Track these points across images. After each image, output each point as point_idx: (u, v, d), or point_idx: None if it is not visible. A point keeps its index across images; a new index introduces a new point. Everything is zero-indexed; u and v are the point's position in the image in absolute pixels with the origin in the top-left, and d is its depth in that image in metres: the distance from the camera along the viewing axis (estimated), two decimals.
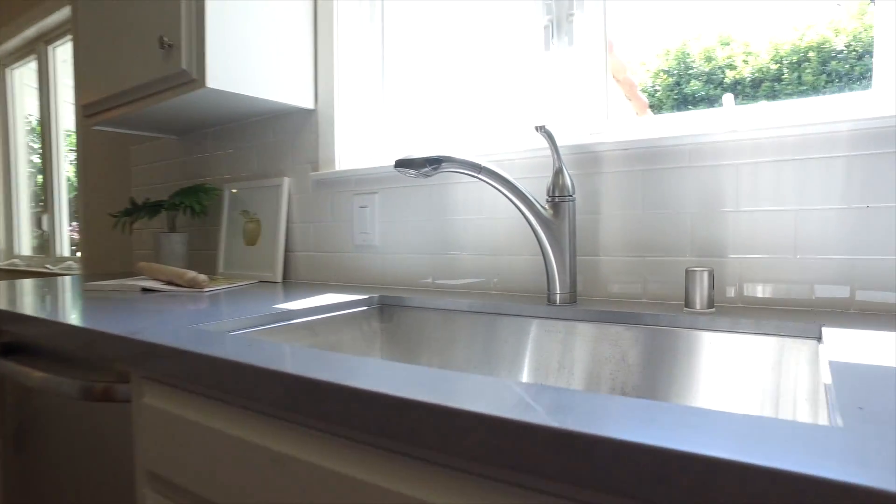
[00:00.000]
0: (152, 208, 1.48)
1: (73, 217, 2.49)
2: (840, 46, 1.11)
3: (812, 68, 1.15)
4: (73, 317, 0.82)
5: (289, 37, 1.24)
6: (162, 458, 0.64)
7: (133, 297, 1.05)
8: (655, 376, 0.76)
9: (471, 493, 0.39)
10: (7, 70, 2.72)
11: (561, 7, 1.00)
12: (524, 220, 0.93)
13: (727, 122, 0.86)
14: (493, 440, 0.36)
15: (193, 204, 1.43)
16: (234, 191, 1.47)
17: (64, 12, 2.18)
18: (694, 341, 0.73)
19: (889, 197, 0.71)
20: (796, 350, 0.66)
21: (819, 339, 0.65)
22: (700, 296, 0.75)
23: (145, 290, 1.16)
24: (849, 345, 0.55)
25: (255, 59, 1.18)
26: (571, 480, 0.33)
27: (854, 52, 1.11)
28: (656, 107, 1.39)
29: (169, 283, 1.22)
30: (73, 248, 2.46)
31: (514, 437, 0.35)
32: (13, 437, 1.01)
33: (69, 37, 2.24)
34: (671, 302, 0.85)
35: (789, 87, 1.20)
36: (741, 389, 0.69)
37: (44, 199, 2.57)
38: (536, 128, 0.84)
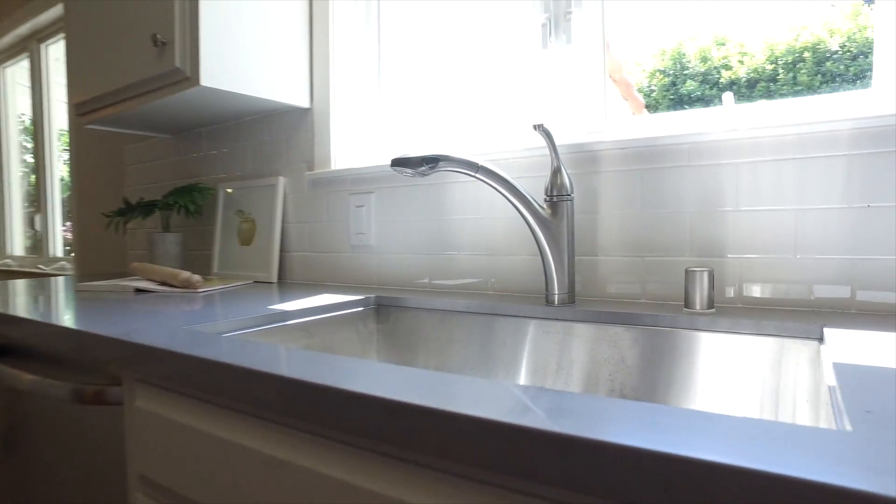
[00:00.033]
0: (146, 208, 1.46)
1: (66, 217, 2.47)
2: (835, 47, 1.12)
3: (807, 69, 1.15)
4: (64, 318, 0.81)
5: (284, 34, 1.23)
6: (154, 462, 0.63)
7: (126, 298, 1.04)
8: (655, 378, 0.75)
9: (469, 499, 0.38)
10: None
11: (559, 5, 0.99)
12: (522, 219, 0.93)
13: (726, 120, 0.85)
14: (492, 444, 0.35)
15: (188, 204, 1.41)
16: (229, 190, 1.46)
17: (57, 10, 2.16)
18: (694, 342, 0.73)
19: (890, 196, 0.70)
20: (797, 351, 0.66)
21: (820, 339, 0.64)
22: (700, 296, 0.75)
23: (139, 290, 1.15)
24: (852, 346, 0.54)
25: (250, 57, 1.17)
26: (572, 486, 0.32)
27: (849, 53, 1.11)
28: (652, 107, 1.39)
29: (163, 283, 1.20)
30: (67, 248, 2.44)
31: (513, 442, 0.34)
32: (3, 440, 1.00)
33: (62, 35, 2.22)
34: (670, 302, 0.85)
35: (784, 87, 1.20)
36: (741, 391, 0.69)
37: (36, 198, 2.55)
38: (534, 126, 0.83)
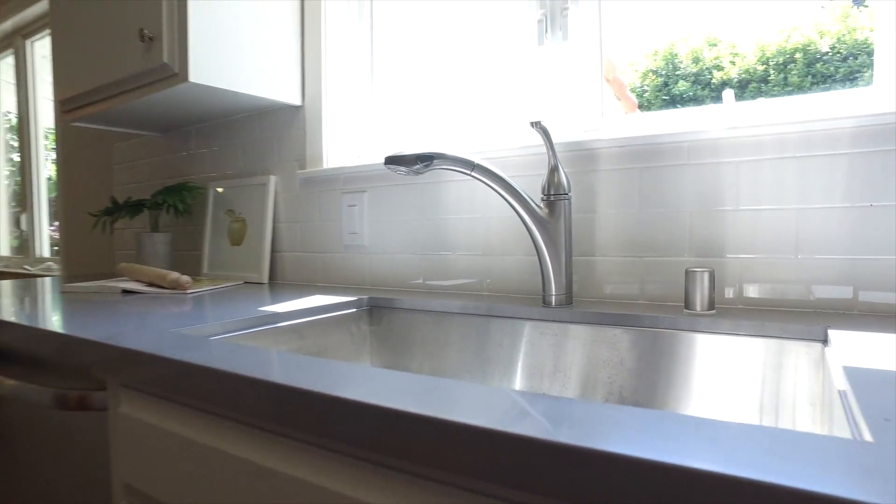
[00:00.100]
0: (134, 207, 1.43)
1: (53, 217, 2.43)
2: (825, 48, 1.12)
3: (798, 70, 1.15)
4: (48, 320, 0.79)
5: (275, 29, 1.21)
6: (139, 471, 0.61)
7: (113, 300, 1.01)
8: (654, 380, 0.74)
9: None
10: None
11: (555, 2, 0.97)
12: (518, 219, 0.91)
13: (727, 118, 0.84)
14: (492, 454, 0.33)
15: (177, 203, 1.39)
16: (220, 189, 1.43)
17: (42, 5, 2.12)
18: (694, 344, 0.71)
19: (893, 195, 0.69)
20: (801, 353, 0.64)
21: (824, 341, 0.63)
22: (700, 297, 0.73)
23: (126, 291, 1.13)
24: (859, 348, 0.53)
25: (240, 53, 1.14)
26: (577, 499, 0.30)
27: (839, 55, 1.12)
28: (645, 107, 1.38)
29: (151, 284, 1.18)
30: (55, 248, 2.40)
31: (514, 452, 0.33)
32: None
33: (48, 31, 2.18)
34: (669, 303, 0.83)
35: (775, 88, 1.20)
36: (743, 394, 0.67)
37: (22, 198, 2.50)
38: (532, 123, 0.82)
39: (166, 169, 1.62)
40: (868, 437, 0.31)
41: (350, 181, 1.19)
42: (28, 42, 2.37)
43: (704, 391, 0.70)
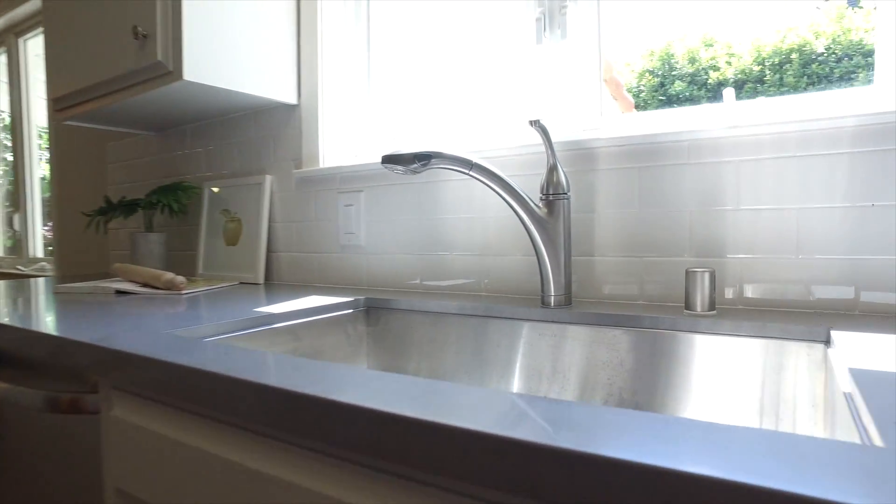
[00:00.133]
0: (128, 207, 1.42)
1: (47, 216, 2.41)
2: (820, 49, 1.12)
3: (794, 70, 1.15)
4: (39, 321, 0.77)
5: (270, 27, 1.20)
6: (132, 475, 0.60)
7: (106, 301, 1.00)
8: (655, 382, 0.73)
9: None
10: None
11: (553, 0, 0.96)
12: (516, 218, 0.90)
13: (727, 117, 0.83)
14: (492, 460, 0.32)
15: (171, 202, 1.37)
16: (215, 189, 1.42)
17: (35, 3, 2.10)
18: (695, 345, 0.70)
19: (894, 195, 0.69)
20: (803, 354, 0.64)
21: (827, 342, 0.62)
22: (701, 297, 0.73)
23: (119, 292, 1.11)
24: (863, 350, 0.52)
25: (235, 51, 1.13)
26: None
27: (834, 55, 1.12)
28: (641, 107, 1.38)
29: (145, 285, 1.16)
30: (49, 248, 2.38)
31: (514, 457, 0.32)
32: None
33: (41, 29, 2.16)
34: (669, 304, 0.83)
35: (771, 88, 1.20)
36: (744, 395, 0.67)
37: (16, 197, 2.48)
38: (531, 122, 0.81)
39: (161, 168, 1.60)
40: (878, 441, 0.31)
41: (347, 181, 1.18)
42: (21, 40, 2.35)
43: (705, 393, 0.69)
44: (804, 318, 0.69)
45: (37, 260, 2.38)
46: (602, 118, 0.94)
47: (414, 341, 0.94)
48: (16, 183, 2.46)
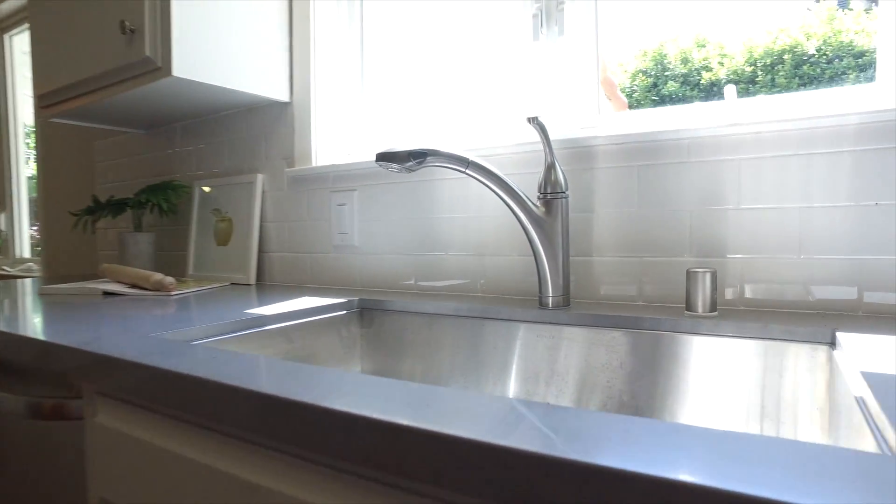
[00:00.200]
0: (116, 206, 1.39)
1: (34, 216, 2.37)
2: (811, 50, 1.13)
3: (785, 71, 1.16)
4: (22, 324, 0.75)
5: (262, 22, 1.17)
6: (117, 484, 0.57)
7: (93, 302, 0.97)
8: (655, 384, 0.71)
9: None
10: None
11: None
12: (513, 218, 0.89)
13: (728, 114, 0.82)
14: (493, 471, 0.31)
15: (161, 202, 1.35)
16: (206, 189, 1.39)
17: None
18: (696, 347, 0.69)
19: None
20: (807, 356, 0.63)
21: (832, 344, 0.61)
22: (702, 298, 0.71)
23: (107, 293, 1.09)
24: (871, 352, 0.51)
25: (226, 47, 1.11)
26: None
27: (824, 57, 1.12)
28: (634, 107, 1.38)
29: (133, 286, 1.14)
30: (38, 248, 2.34)
31: (516, 469, 0.30)
32: None
33: (28, 25, 2.12)
34: (669, 305, 0.81)
35: (763, 89, 1.20)
36: (747, 398, 0.65)
37: (1, 197, 2.44)
38: (528, 119, 0.79)
39: (150, 167, 1.58)
40: None
41: (340, 179, 1.16)
42: (6, 36, 2.31)
43: (706, 395, 0.68)
44: (807, 319, 0.67)
45: (24, 260, 2.35)
46: (600, 116, 0.92)
47: (408, 343, 0.92)
48: (1, 182, 2.42)
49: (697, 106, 0.86)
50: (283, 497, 0.42)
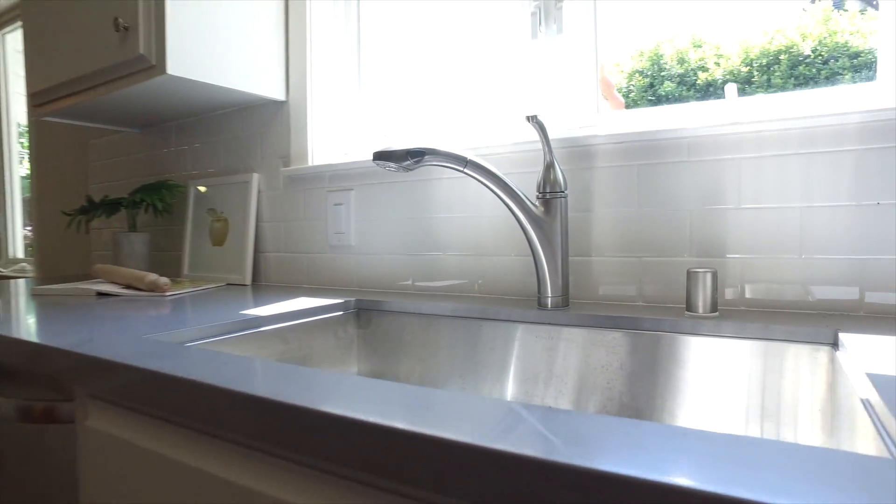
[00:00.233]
0: (110, 206, 1.38)
1: (28, 217, 2.35)
2: (807, 51, 1.13)
3: (781, 72, 1.16)
4: (13, 325, 0.74)
5: (257, 20, 1.16)
6: (109, 489, 0.56)
7: (86, 303, 0.96)
8: (656, 386, 0.71)
9: None
10: None
11: None
12: (511, 217, 0.88)
13: (728, 113, 0.81)
14: (500, 479, 0.30)
15: (156, 201, 1.33)
16: (202, 188, 1.38)
17: None
18: (697, 348, 0.68)
19: None
20: (809, 357, 0.62)
21: (834, 345, 0.60)
22: (703, 299, 0.71)
23: (101, 294, 1.07)
24: (875, 353, 0.50)
25: (221, 45, 1.09)
26: None
27: (820, 57, 1.13)
28: (631, 107, 1.38)
29: (128, 286, 1.13)
30: (32, 248, 2.32)
31: (520, 475, 0.29)
32: None
33: (21, 23, 2.10)
34: (669, 305, 0.80)
35: (759, 89, 1.20)
36: (748, 400, 0.65)
37: None
38: (528, 118, 0.78)
39: (145, 167, 1.56)
40: None
41: (336, 179, 1.15)
42: None
43: (707, 397, 0.67)
44: (808, 319, 0.67)
45: (17, 261, 2.33)
46: (599, 115, 0.92)
47: (406, 344, 0.91)
48: None
49: (697, 105, 0.85)
50: (279, 502, 0.41)
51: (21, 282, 1.43)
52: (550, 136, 0.83)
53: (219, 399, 0.43)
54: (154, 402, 0.49)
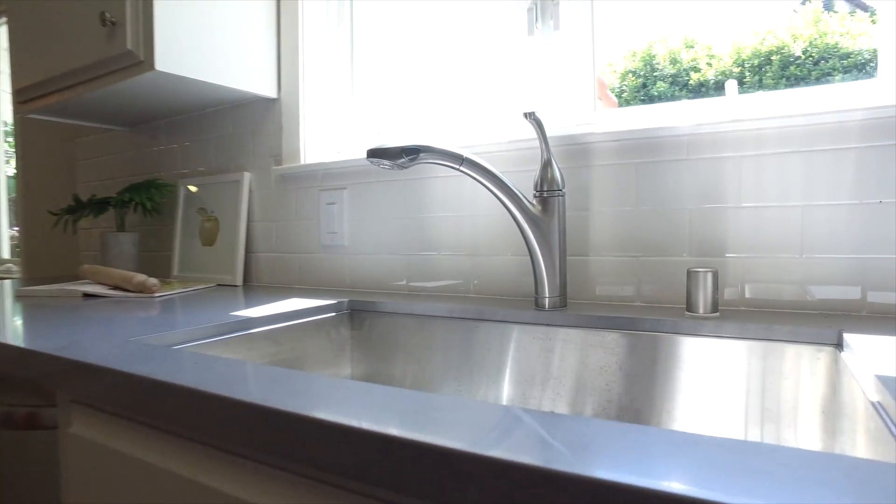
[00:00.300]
0: (98, 206, 1.35)
1: (14, 217, 2.31)
2: (798, 52, 1.13)
3: (773, 72, 1.16)
4: None
5: (249, 15, 1.14)
6: (92, 499, 0.54)
7: (72, 304, 0.94)
8: (655, 387, 0.69)
9: None
10: None
11: None
12: (507, 216, 0.86)
13: (728, 110, 0.80)
14: (505, 492, 0.28)
15: (144, 201, 1.31)
16: (192, 188, 1.36)
17: None
18: (697, 348, 0.67)
19: None
20: (811, 358, 0.61)
21: (838, 346, 0.59)
22: (703, 299, 0.69)
23: (87, 295, 1.05)
24: (882, 354, 0.49)
25: (211, 41, 1.07)
26: None
27: (811, 58, 1.13)
28: (624, 107, 1.38)
29: (115, 287, 1.10)
30: (19, 249, 2.28)
31: (532, 488, 0.27)
32: None
33: (5, 18, 2.07)
34: (668, 305, 0.79)
35: (751, 89, 1.21)
36: (750, 401, 0.63)
37: None
38: (525, 114, 0.77)
39: (134, 165, 1.53)
40: None
41: (329, 177, 1.13)
42: None
43: (708, 398, 0.66)
44: (810, 319, 0.66)
45: (3, 262, 2.29)
46: (596, 112, 0.90)
47: (400, 345, 0.90)
48: None
49: (697, 102, 0.84)
50: None
51: (7, 283, 1.40)
52: (548, 134, 0.82)
53: (207, 405, 0.42)
54: (140, 407, 0.47)
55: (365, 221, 1.09)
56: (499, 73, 1.02)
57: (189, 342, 0.69)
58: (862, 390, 0.45)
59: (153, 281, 1.06)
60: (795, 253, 0.72)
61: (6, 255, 2.32)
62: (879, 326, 0.61)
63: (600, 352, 0.73)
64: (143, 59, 1.00)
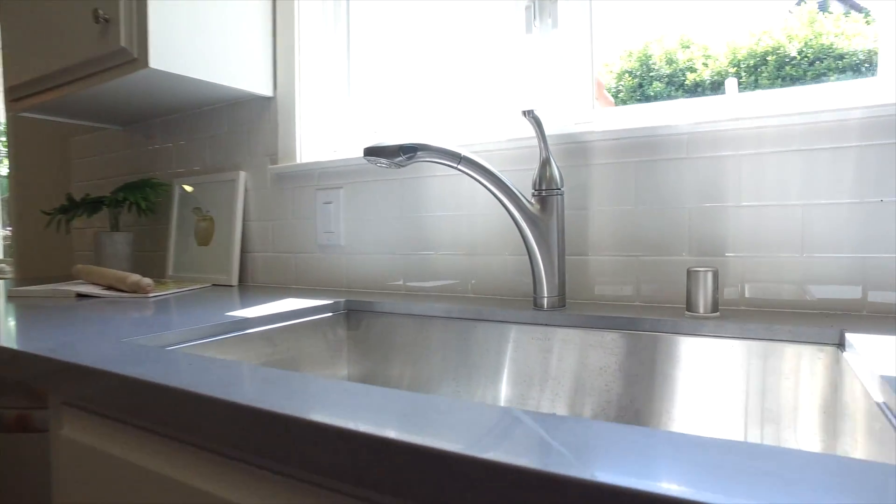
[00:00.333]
0: (92, 205, 1.34)
1: (8, 217, 2.30)
2: (793, 52, 1.14)
3: (768, 73, 1.17)
4: None
5: (244, 12, 1.13)
6: (84, 502, 0.53)
7: (65, 305, 0.92)
8: (655, 388, 0.69)
9: None
10: None
11: None
12: (505, 215, 0.86)
13: (728, 109, 0.80)
14: (504, 495, 0.27)
15: (139, 200, 1.30)
16: (188, 188, 1.35)
17: None
18: (697, 348, 0.66)
19: None
20: (812, 357, 0.60)
21: (840, 345, 0.59)
22: (704, 298, 0.69)
23: (81, 295, 1.04)
24: (885, 354, 0.49)
25: (206, 38, 1.06)
26: None
27: (806, 59, 1.14)
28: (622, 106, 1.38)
29: (109, 287, 1.09)
30: (11, 248, 2.26)
31: (531, 491, 0.27)
32: None
33: None
34: (668, 305, 0.79)
35: (747, 89, 1.21)
36: (751, 402, 0.63)
37: None
38: (524, 112, 0.76)
39: (128, 164, 1.52)
40: None
41: (325, 177, 1.12)
42: None
43: (709, 399, 0.65)
44: (811, 319, 0.65)
45: None
46: (595, 111, 0.90)
47: (397, 346, 0.89)
48: None
49: (696, 101, 0.84)
50: None
51: (0, 283, 1.39)
52: (546, 132, 0.81)
53: (201, 407, 0.41)
54: (132, 410, 0.46)
55: (362, 221, 1.08)
56: (497, 72, 1.01)
57: (184, 343, 0.68)
58: (865, 391, 0.45)
59: (147, 281, 1.05)
60: (796, 252, 0.71)
61: (0, 255, 2.30)
62: (880, 326, 0.61)
63: (599, 352, 0.73)
64: (136, 56, 0.99)
